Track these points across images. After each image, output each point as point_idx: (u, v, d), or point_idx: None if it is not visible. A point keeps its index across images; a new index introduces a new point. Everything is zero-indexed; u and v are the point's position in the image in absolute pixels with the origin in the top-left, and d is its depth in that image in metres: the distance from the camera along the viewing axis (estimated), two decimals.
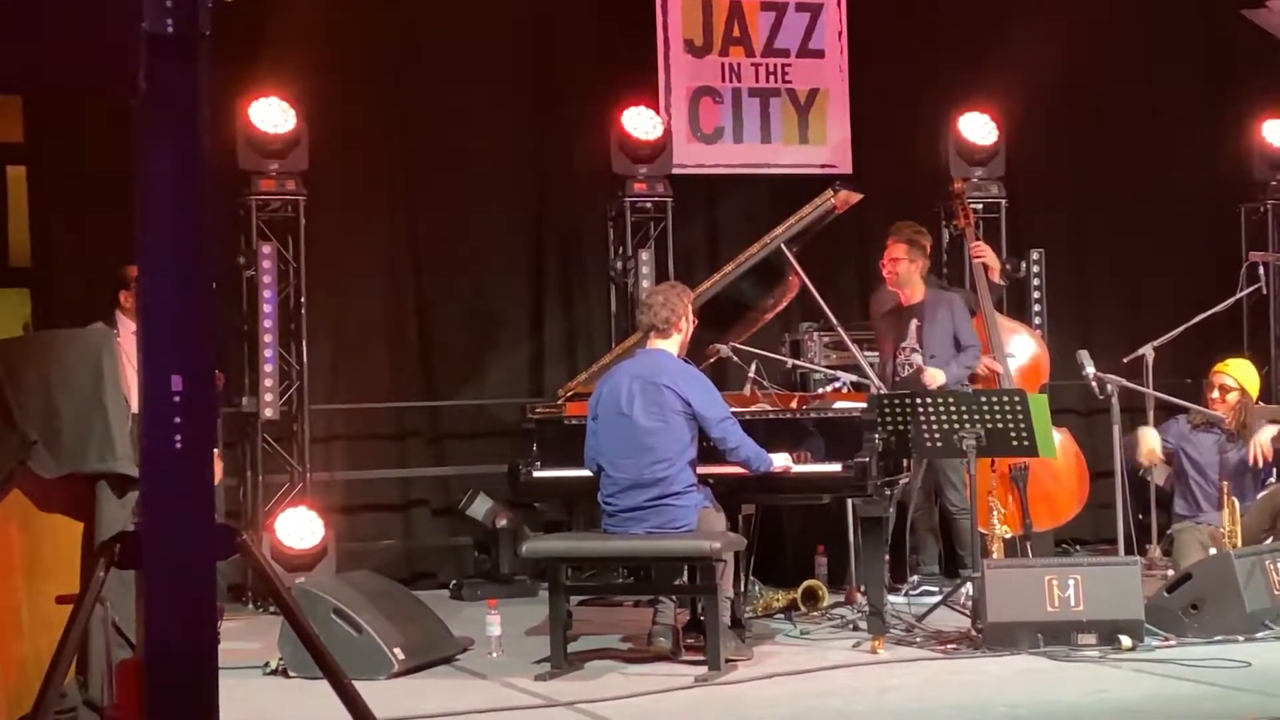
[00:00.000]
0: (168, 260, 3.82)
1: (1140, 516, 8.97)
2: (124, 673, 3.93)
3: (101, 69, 3.69)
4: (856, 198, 7.71)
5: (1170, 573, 7.71)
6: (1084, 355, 8.09)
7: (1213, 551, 7.60)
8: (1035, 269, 9.92)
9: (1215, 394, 8.28)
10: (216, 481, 6.53)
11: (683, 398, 6.59)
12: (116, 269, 8.04)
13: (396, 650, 6.59)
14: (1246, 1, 10.43)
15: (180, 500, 3.68)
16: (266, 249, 8.82)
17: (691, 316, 6.84)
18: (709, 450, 6.76)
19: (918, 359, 8.12)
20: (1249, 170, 10.51)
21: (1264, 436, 8.00)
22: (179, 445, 3.78)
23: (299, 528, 8.74)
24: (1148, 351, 8.80)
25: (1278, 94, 10.61)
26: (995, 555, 7.53)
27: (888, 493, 7.09)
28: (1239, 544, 7.73)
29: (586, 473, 6.91)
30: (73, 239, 8.93)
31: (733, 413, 6.79)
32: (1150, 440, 8.23)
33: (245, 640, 7.44)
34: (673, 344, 6.77)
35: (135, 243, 3.78)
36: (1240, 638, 6.75)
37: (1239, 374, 8.31)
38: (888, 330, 8.34)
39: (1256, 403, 8.37)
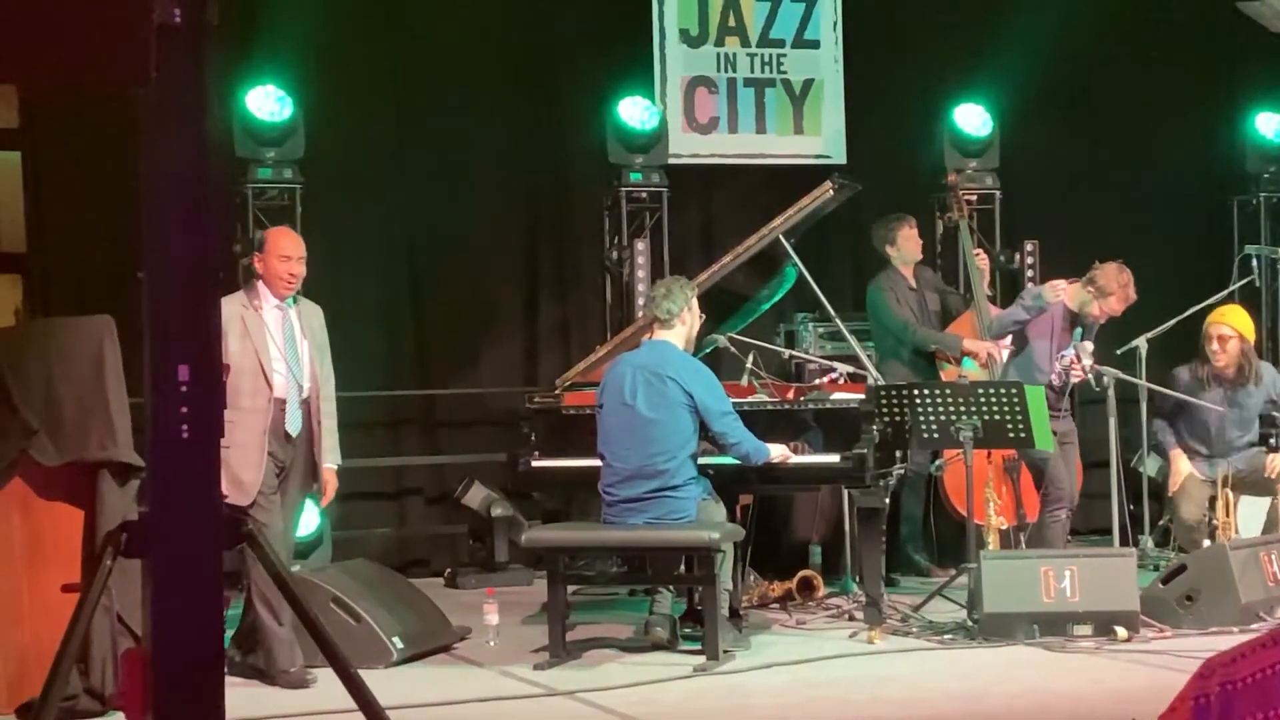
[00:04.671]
0: (175, 250, 3.83)
1: (1132, 507, 9.00)
2: (129, 661, 3.94)
3: (111, 60, 3.69)
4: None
5: (1166, 564, 7.77)
6: (1081, 346, 8.10)
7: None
8: (1029, 260, 9.96)
9: (1215, 345, 8.31)
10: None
11: (686, 390, 6.59)
12: (113, 255, 8.02)
13: (395, 639, 6.60)
14: None
15: (187, 490, 3.68)
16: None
17: (697, 309, 6.84)
18: (708, 441, 6.77)
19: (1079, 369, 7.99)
20: (1242, 162, 10.54)
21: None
22: (186, 435, 3.79)
23: None
24: (1141, 343, 8.82)
25: (1270, 87, 10.64)
26: (991, 546, 7.56)
27: (882, 483, 7.10)
28: (1234, 535, 7.79)
29: (584, 462, 6.92)
30: (68, 225, 8.90)
31: (731, 403, 6.80)
32: (1182, 469, 8.28)
33: None
34: (677, 336, 6.77)
35: (140, 232, 3.78)
36: (1235, 629, 6.78)
37: (1235, 321, 8.33)
38: (1051, 328, 8.03)
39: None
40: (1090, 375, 7.92)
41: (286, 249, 6.49)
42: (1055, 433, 7.78)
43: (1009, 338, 8.57)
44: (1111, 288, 7.84)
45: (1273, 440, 8.54)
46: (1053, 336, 7.94)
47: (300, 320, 6.49)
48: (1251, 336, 8.40)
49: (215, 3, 3.66)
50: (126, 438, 5.56)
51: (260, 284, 6.49)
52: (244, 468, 6.20)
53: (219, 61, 3.72)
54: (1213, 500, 8.06)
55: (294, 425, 6.38)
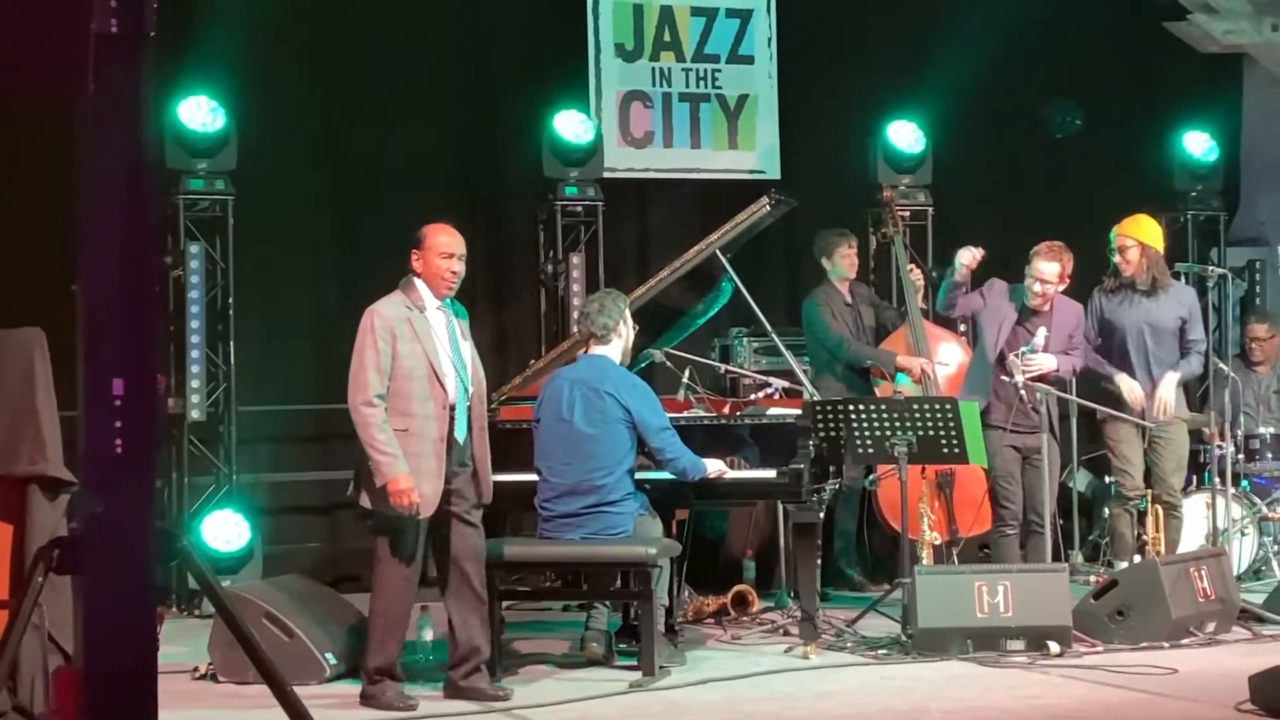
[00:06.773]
0: (111, 262, 3.77)
1: (1062, 522, 9.06)
2: (61, 680, 3.87)
3: (47, 70, 3.64)
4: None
5: (1097, 577, 7.82)
6: (1014, 363, 8.12)
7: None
8: None
9: (1118, 257, 8.33)
10: None
11: (624, 406, 6.58)
12: (42, 266, 7.92)
13: (328, 655, 6.54)
14: (1168, 14, 10.59)
15: (121, 505, 3.62)
16: (194, 249, 8.73)
17: (630, 322, 6.83)
18: (644, 456, 6.76)
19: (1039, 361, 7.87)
20: (1170, 180, 10.66)
21: (1167, 393, 8.06)
22: (120, 450, 3.73)
23: (225, 530, 8.65)
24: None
25: (1198, 106, 10.78)
26: (925, 561, 7.59)
27: (817, 498, 7.11)
28: (1162, 552, 7.85)
29: (520, 477, 6.89)
30: None
31: (669, 419, 6.79)
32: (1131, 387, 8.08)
33: (171, 644, 7.35)
34: (613, 350, 6.76)
35: (75, 243, 3.73)
36: (1166, 644, 6.85)
37: (1133, 231, 8.29)
38: (999, 319, 8.03)
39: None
40: (1022, 388, 7.84)
41: (448, 246, 6.24)
42: (1019, 449, 7.79)
43: (941, 352, 8.63)
44: (1037, 248, 7.90)
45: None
46: (1000, 327, 7.94)
47: (459, 321, 6.29)
48: (1157, 245, 8.34)
49: (152, 11, 3.62)
50: (56, 452, 5.47)
51: (419, 284, 6.24)
52: (422, 478, 6.02)
53: (153, 72, 3.67)
54: (1143, 515, 8.11)
55: (461, 431, 6.16)
